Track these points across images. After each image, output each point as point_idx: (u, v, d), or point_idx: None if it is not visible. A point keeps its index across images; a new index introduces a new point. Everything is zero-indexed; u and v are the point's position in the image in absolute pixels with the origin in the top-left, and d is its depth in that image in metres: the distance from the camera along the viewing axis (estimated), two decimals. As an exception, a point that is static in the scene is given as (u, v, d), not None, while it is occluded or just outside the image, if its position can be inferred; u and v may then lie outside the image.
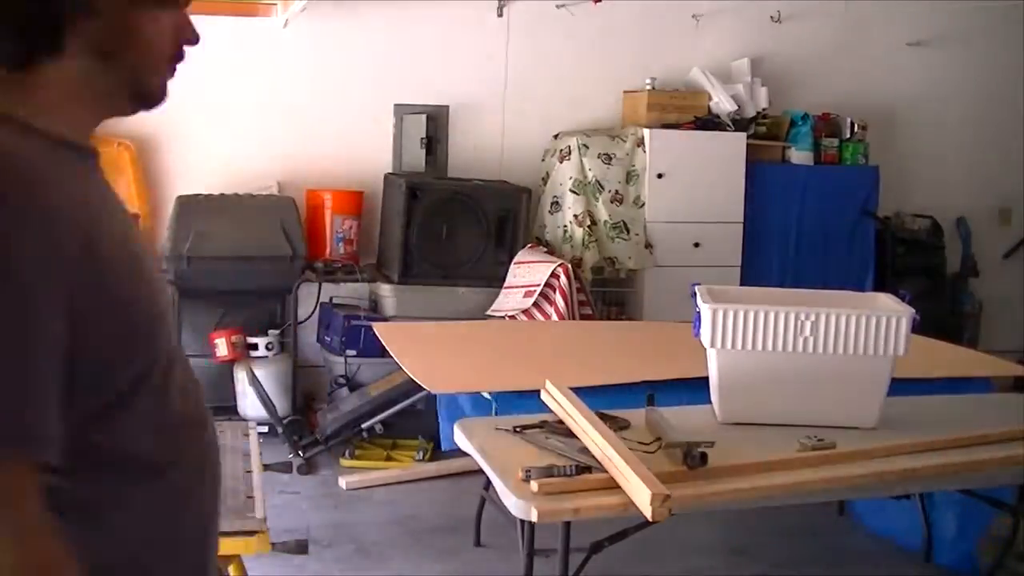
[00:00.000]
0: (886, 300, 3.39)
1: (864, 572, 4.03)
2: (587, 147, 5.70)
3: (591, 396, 3.64)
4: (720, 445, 3.04)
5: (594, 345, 4.25)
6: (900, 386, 3.35)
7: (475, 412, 3.92)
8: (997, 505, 3.53)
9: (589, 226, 5.63)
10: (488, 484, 3.65)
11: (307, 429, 5.14)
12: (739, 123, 5.96)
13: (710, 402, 3.43)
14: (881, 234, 6.41)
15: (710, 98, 6.00)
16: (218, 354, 5.20)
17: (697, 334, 3.26)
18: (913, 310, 3.21)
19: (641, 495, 2.51)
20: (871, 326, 3.16)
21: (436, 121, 5.84)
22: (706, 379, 3.70)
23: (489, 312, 5.19)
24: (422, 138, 5.77)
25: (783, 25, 6.37)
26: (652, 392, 3.72)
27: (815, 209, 6.17)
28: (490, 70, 5.93)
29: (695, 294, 3.32)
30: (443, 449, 4.66)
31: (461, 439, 3.16)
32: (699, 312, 3.24)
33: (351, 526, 4.22)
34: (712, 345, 3.23)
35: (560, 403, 3.16)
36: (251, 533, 2.53)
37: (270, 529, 4.12)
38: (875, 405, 3.26)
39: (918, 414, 3.45)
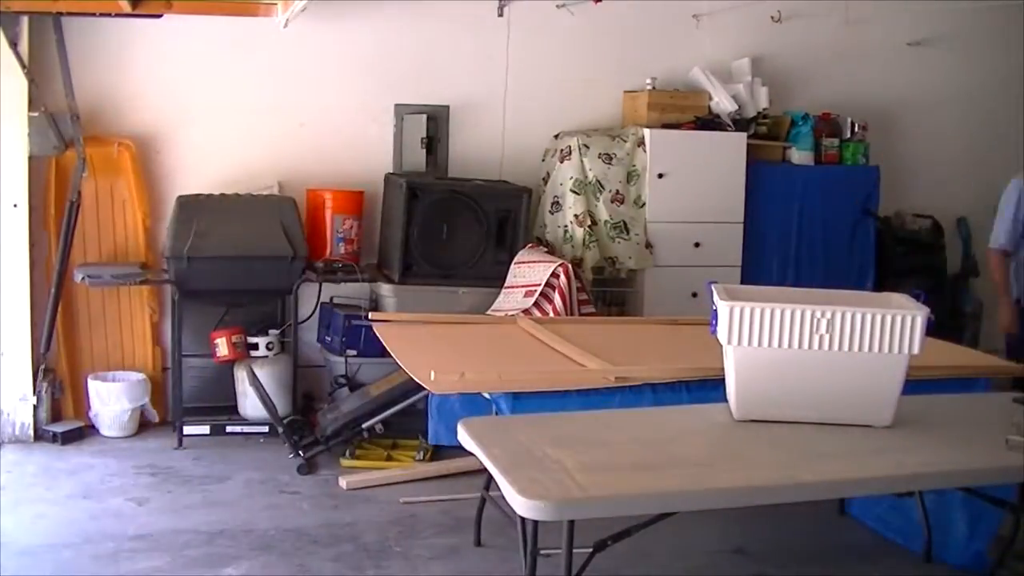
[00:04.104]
0: (900, 299, 3.40)
1: (864, 572, 4.03)
2: (587, 147, 5.70)
3: (595, 396, 3.65)
4: (738, 442, 3.06)
5: (596, 343, 4.24)
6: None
7: (466, 411, 3.92)
8: (999, 504, 3.53)
9: (590, 226, 5.63)
10: (488, 484, 3.65)
11: (307, 429, 5.14)
12: (739, 123, 5.97)
13: (717, 401, 3.43)
14: (881, 234, 6.41)
15: (710, 98, 6.00)
16: (218, 354, 5.21)
17: (714, 331, 3.27)
18: (928, 309, 3.22)
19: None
20: (887, 324, 3.17)
21: (436, 121, 5.84)
22: (707, 380, 3.71)
23: (489, 312, 5.18)
24: (422, 138, 5.77)
25: (783, 25, 6.37)
26: (654, 391, 3.73)
27: (815, 209, 6.17)
28: (490, 70, 5.93)
29: (712, 292, 3.32)
30: (432, 444, 4.66)
31: (464, 438, 3.16)
32: (716, 310, 3.24)
33: (351, 526, 4.22)
34: (729, 343, 3.23)
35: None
36: None
37: (272, 529, 4.13)
38: (890, 403, 3.27)
39: (929, 413, 3.46)
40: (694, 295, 5.54)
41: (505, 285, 5.29)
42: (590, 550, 2.98)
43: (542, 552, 3.04)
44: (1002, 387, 4.18)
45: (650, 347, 4.36)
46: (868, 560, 4.08)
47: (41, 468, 4.79)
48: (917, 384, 3.47)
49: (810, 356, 3.21)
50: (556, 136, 5.94)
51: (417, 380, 3.77)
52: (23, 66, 5.03)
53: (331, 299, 5.52)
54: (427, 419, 4.55)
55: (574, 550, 2.84)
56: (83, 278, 5.09)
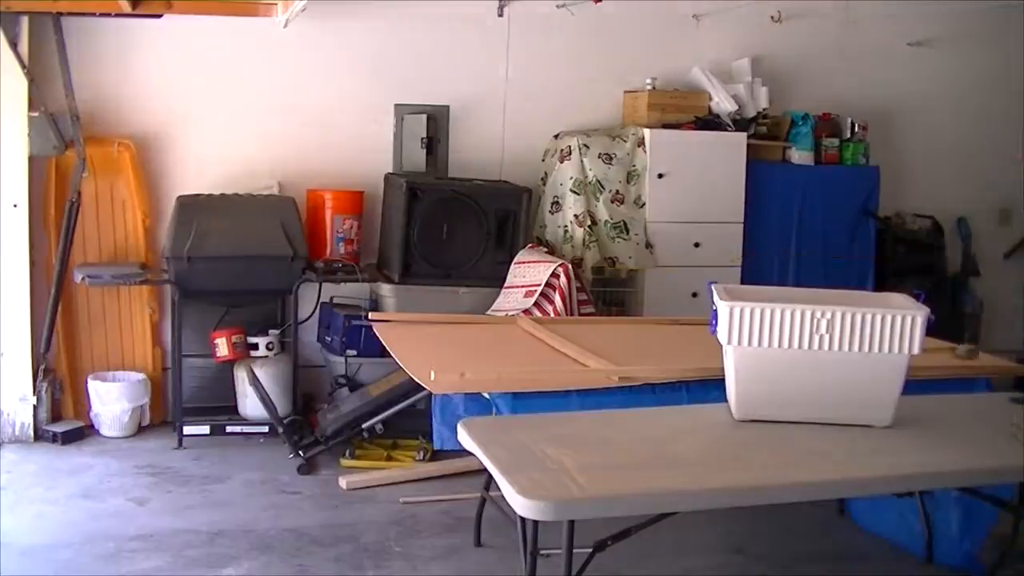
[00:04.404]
0: (900, 299, 3.40)
1: (864, 572, 4.02)
2: (587, 147, 5.70)
3: (595, 396, 3.65)
4: (738, 442, 3.05)
5: (596, 343, 4.25)
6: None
7: (468, 413, 3.92)
8: (998, 503, 3.53)
9: (590, 226, 5.63)
10: (488, 484, 3.65)
11: (307, 429, 5.14)
12: (739, 123, 5.97)
13: (717, 401, 3.43)
14: (881, 234, 6.41)
15: (710, 98, 6.00)
16: (218, 354, 5.20)
17: (713, 331, 3.27)
18: (928, 309, 3.22)
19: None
20: (887, 324, 3.17)
21: (436, 121, 5.84)
22: (707, 380, 3.71)
23: (489, 312, 5.18)
24: (422, 138, 5.77)
25: (783, 25, 6.37)
26: (654, 392, 3.73)
27: (815, 209, 6.17)
28: (490, 70, 5.93)
29: (712, 292, 3.32)
30: (437, 449, 4.65)
31: (464, 438, 3.16)
32: (716, 310, 3.24)
33: (351, 526, 4.22)
34: (729, 342, 3.23)
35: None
36: None
37: (272, 529, 4.13)
38: (890, 403, 3.27)
39: (929, 413, 3.46)
40: (694, 295, 5.54)
41: (505, 285, 5.29)
42: (590, 550, 2.98)
43: (542, 552, 3.04)
44: (1002, 387, 4.18)
45: (650, 347, 4.36)
46: (868, 561, 4.08)
47: (41, 468, 4.79)
48: (917, 384, 3.47)
49: (810, 356, 3.21)
50: (556, 136, 5.93)
51: (417, 380, 3.77)
52: (23, 66, 5.03)
53: (331, 299, 5.52)
54: (430, 422, 4.55)
55: (574, 550, 2.84)
56: (83, 278, 5.09)
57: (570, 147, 5.73)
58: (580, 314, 4.98)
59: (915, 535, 3.93)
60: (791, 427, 3.27)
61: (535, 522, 2.88)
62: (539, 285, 5.01)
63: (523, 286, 5.14)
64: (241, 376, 5.24)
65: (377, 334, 4.48)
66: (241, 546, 3.99)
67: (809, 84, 6.44)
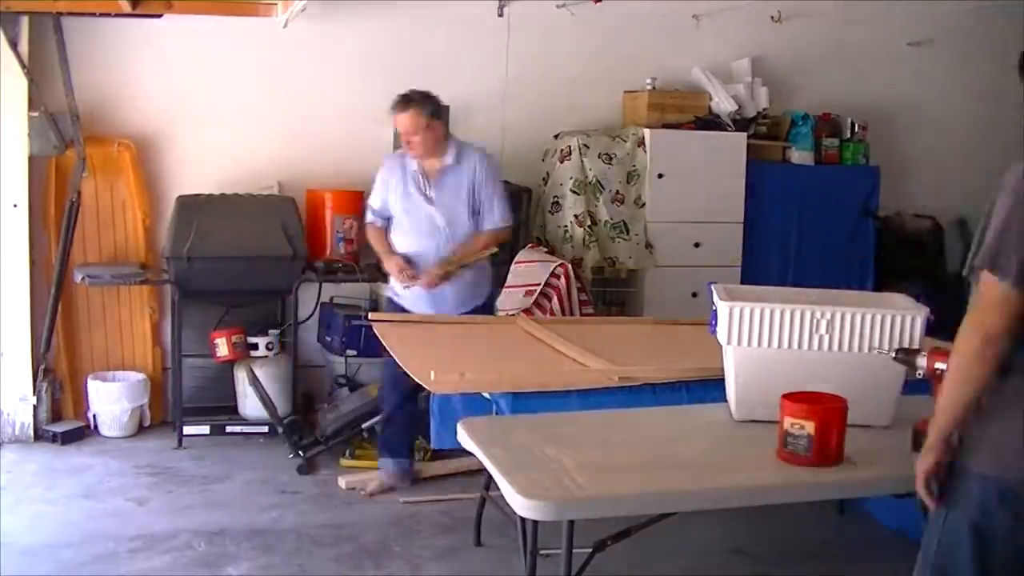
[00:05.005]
0: (900, 299, 3.40)
1: (864, 572, 4.02)
2: (587, 147, 5.70)
3: (595, 396, 3.65)
4: (738, 442, 3.05)
5: (596, 343, 4.25)
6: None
7: (467, 412, 3.91)
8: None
9: (590, 226, 5.63)
10: (488, 484, 3.65)
11: (307, 429, 5.14)
12: (740, 123, 5.97)
13: (717, 401, 3.43)
14: (881, 234, 6.41)
15: (710, 98, 6.01)
16: (218, 354, 5.20)
17: (713, 331, 3.26)
18: (927, 309, 3.22)
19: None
20: (886, 325, 3.17)
21: (436, 121, 5.82)
22: (707, 380, 3.71)
23: (489, 312, 5.18)
24: (423, 138, 5.75)
25: (783, 25, 6.37)
26: (654, 392, 3.72)
27: (815, 209, 6.17)
28: (490, 70, 5.93)
29: (712, 292, 3.32)
30: (435, 449, 4.65)
31: (464, 438, 3.15)
32: (716, 310, 3.24)
33: (351, 526, 4.22)
34: (728, 343, 3.23)
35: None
36: None
37: (272, 529, 4.12)
38: (889, 404, 3.27)
39: (928, 413, 3.44)
40: (694, 295, 5.54)
41: (505, 285, 5.28)
42: (590, 550, 2.98)
43: (542, 552, 3.04)
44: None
45: (650, 347, 4.36)
46: (868, 560, 4.08)
47: (41, 468, 4.79)
48: (917, 384, 3.46)
49: (810, 356, 3.21)
50: (556, 136, 5.93)
51: (417, 380, 3.77)
52: (23, 66, 5.04)
53: (331, 299, 5.52)
54: (428, 423, 4.54)
55: (574, 550, 2.84)
56: (83, 278, 5.09)
57: (570, 147, 5.72)
58: (580, 314, 4.98)
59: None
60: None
61: (535, 522, 2.88)
62: (539, 285, 5.00)
63: (523, 286, 5.14)
64: (241, 376, 5.24)
65: (377, 334, 4.47)
66: (241, 546, 3.99)
67: (809, 84, 6.44)
